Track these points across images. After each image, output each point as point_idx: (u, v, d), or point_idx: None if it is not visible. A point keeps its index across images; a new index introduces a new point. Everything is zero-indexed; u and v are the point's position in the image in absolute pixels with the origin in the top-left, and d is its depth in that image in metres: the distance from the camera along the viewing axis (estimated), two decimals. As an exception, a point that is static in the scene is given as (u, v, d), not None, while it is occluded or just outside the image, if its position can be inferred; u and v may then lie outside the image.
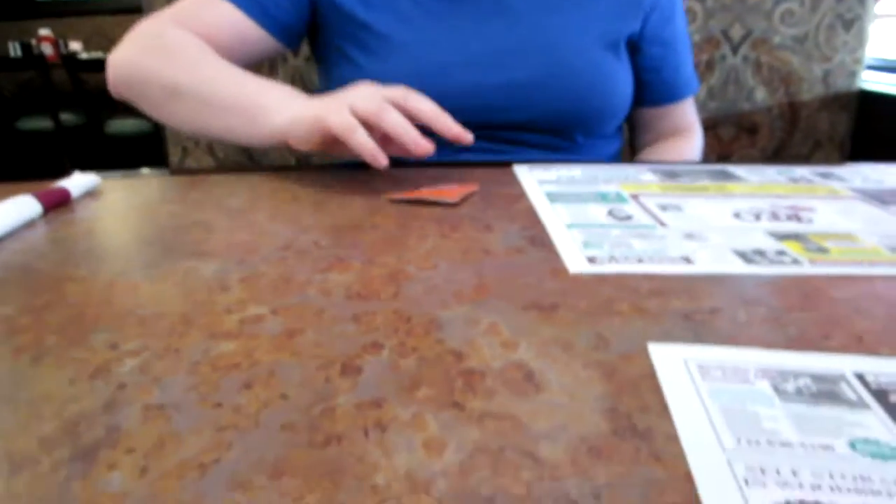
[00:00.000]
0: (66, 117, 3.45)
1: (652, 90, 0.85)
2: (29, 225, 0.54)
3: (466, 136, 0.58)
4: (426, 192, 0.57)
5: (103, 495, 0.22)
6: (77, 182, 0.63)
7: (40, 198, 0.57)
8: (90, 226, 0.53)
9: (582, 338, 0.32)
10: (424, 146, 0.56)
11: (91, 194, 0.63)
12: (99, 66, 0.72)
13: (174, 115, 0.71)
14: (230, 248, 0.46)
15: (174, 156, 1.38)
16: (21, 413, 0.27)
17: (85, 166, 0.69)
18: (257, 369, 0.30)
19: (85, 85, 3.42)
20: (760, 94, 1.00)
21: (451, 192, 0.57)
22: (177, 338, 0.33)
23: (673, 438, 0.25)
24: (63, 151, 3.30)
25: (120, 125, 3.49)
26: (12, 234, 0.51)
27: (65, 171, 0.64)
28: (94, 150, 3.31)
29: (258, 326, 0.34)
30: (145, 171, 0.72)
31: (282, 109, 0.61)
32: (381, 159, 0.55)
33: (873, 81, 1.00)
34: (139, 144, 3.41)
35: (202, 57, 0.69)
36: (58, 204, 0.59)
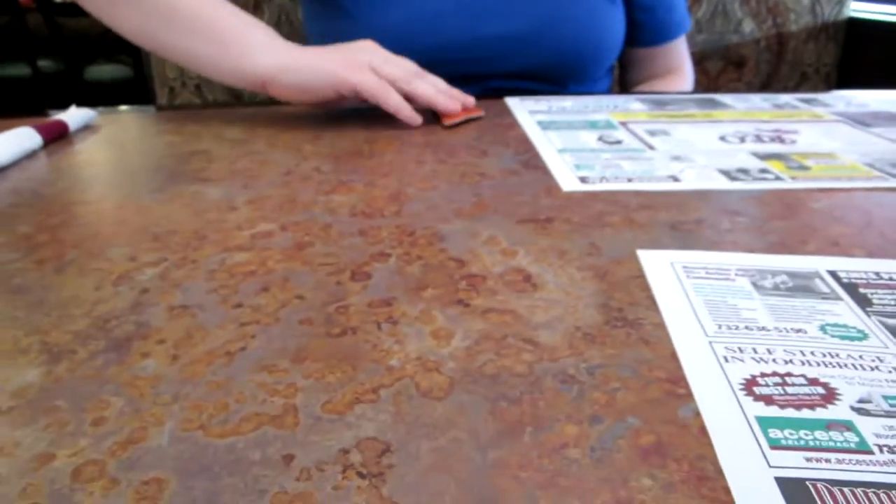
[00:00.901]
0: (44, 64, 3.37)
1: (645, 30, 0.85)
2: (30, 156, 0.55)
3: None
4: (464, 113, 0.59)
5: (139, 378, 0.24)
6: (74, 115, 0.64)
7: (39, 129, 0.57)
8: (92, 156, 0.54)
9: (576, 246, 0.34)
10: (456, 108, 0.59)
11: (88, 128, 0.64)
12: (75, 10, 0.66)
13: (124, 22, 0.62)
14: (233, 174, 0.47)
15: (161, 97, 1.37)
16: (53, 313, 0.28)
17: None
18: (272, 276, 0.31)
19: (62, 30, 3.33)
20: (748, 26, 1.01)
21: (471, 109, 0.61)
22: (192, 251, 0.34)
23: (660, 326, 0.27)
24: (42, 98, 3.24)
25: (99, 71, 3.42)
26: (15, 164, 0.52)
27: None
28: (74, 96, 3.26)
29: (269, 240, 0.35)
30: (124, 107, 0.72)
31: (269, 51, 0.58)
32: (416, 118, 0.57)
33: (862, 11, 1.00)
34: (119, 90, 3.34)
35: None
36: (56, 136, 0.60)
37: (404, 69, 0.58)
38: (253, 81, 0.59)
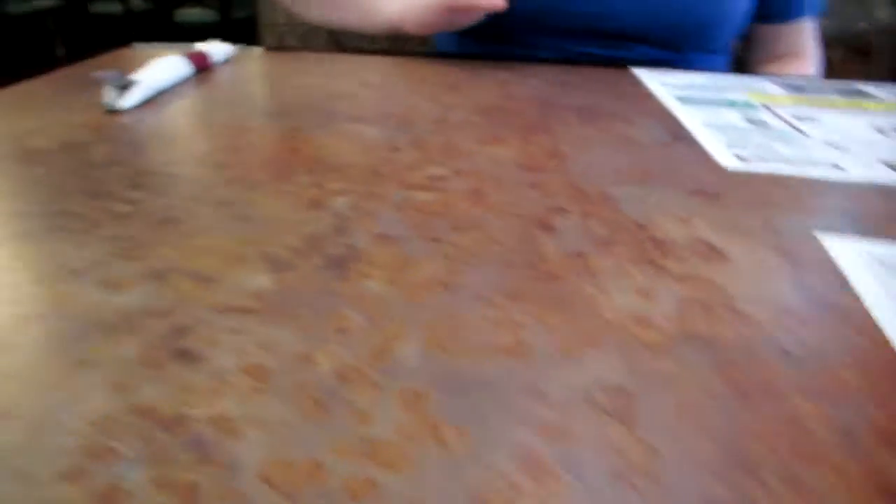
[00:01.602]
0: (136, 2, 3.47)
1: (772, 4, 0.82)
2: (182, 83, 0.57)
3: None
4: None
5: (365, 295, 0.25)
6: (217, 49, 0.65)
7: (191, 59, 0.59)
8: (243, 88, 0.56)
9: (752, 223, 0.34)
10: None
11: (227, 62, 0.66)
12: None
13: (314, 10, 0.81)
14: (385, 116, 0.48)
15: (268, 41, 1.39)
16: (261, 228, 0.30)
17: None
18: (459, 217, 0.32)
19: (153, -30, 3.40)
20: (883, 12, 0.96)
21: None
22: (373, 185, 0.36)
23: (873, 326, 0.26)
24: (131, 36, 3.33)
25: (188, 14, 3.49)
26: (171, 89, 0.54)
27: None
28: (162, 36, 3.33)
29: (445, 183, 0.36)
30: (255, 47, 0.74)
31: (390, 1, 0.68)
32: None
33: None
34: (205, 33, 3.41)
35: None
36: (203, 67, 0.62)
37: None
38: (394, 27, 0.69)
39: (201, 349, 0.22)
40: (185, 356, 0.22)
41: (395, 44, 1.21)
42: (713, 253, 0.31)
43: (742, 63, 0.90)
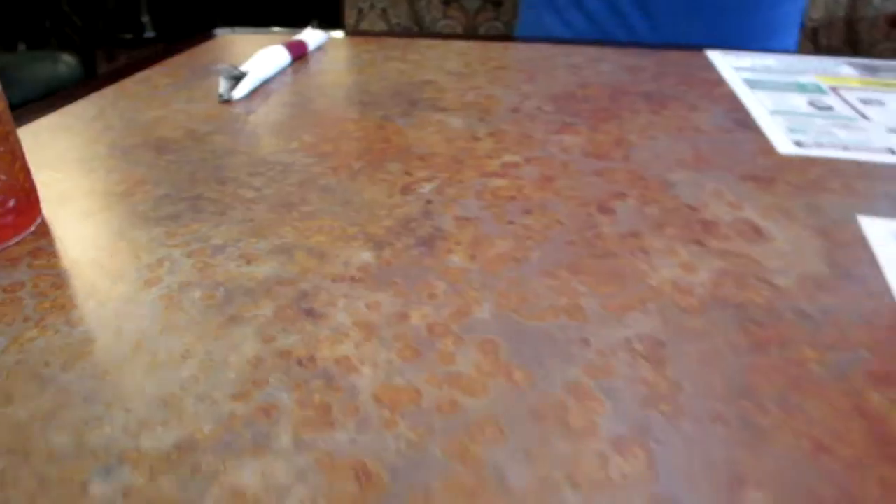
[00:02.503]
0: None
1: None
2: (281, 71, 0.63)
3: None
4: None
5: (450, 268, 0.31)
6: (312, 37, 0.72)
7: (289, 48, 0.66)
8: (335, 77, 0.62)
9: (798, 206, 0.38)
10: None
11: (319, 49, 0.72)
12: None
13: None
14: (466, 106, 0.53)
15: (350, 18, 1.46)
16: (363, 211, 0.36)
17: (240, 19, 0.79)
18: (530, 202, 0.37)
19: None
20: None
21: None
22: (455, 172, 0.41)
23: (886, 292, 0.30)
24: (213, 4, 3.48)
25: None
26: (273, 78, 0.61)
27: (214, 22, 0.76)
28: (242, 5, 3.47)
29: (518, 170, 0.41)
30: (338, 34, 0.79)
31: None
32: None
33: None
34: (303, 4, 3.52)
35: None
36: (299, 56, 0.68)
37: None
38: None
39: (322, 309, 0.28)
40: (311, 314, 0.28)
41: (475, 21, 1.26)
42: (755, 233, 0.35)
43: None
